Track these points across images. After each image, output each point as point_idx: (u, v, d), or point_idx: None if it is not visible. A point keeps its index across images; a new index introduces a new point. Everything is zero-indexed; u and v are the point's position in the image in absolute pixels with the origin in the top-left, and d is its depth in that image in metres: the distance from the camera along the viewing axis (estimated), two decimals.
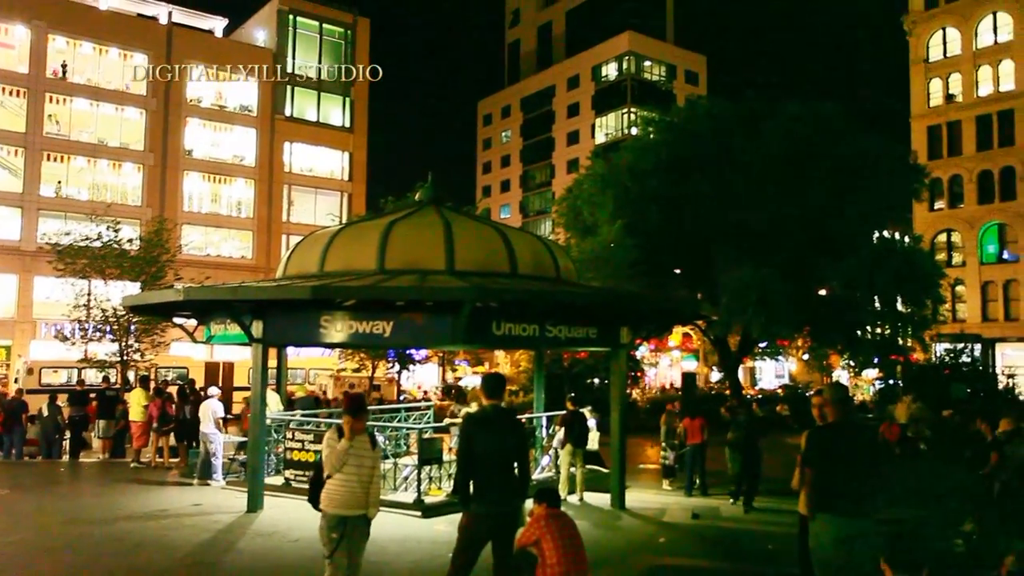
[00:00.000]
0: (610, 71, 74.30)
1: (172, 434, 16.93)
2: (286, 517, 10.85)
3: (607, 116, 73.49)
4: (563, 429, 13.13)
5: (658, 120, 31.73)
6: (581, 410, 13.67)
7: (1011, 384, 34.90)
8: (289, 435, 13.08)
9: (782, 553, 8.95)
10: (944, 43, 48.83)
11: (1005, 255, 45.67)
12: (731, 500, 12.99)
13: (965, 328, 42.20)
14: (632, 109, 68.56)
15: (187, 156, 43.40)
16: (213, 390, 15.10)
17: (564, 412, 13.43)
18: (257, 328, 11.51)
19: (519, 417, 7.15)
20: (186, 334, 14.13)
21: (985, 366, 39.46)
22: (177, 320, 14.39)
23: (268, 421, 13.03)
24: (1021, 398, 33.12)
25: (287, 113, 46.92)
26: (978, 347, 39.69)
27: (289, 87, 46.99)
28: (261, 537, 9.86)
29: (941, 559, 7.83)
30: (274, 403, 14.73)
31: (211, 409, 14.10)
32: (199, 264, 36.42)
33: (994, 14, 46.61)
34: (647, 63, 74.06)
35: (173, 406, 17.15)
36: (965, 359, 34.55)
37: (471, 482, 6.10)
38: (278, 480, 12.94)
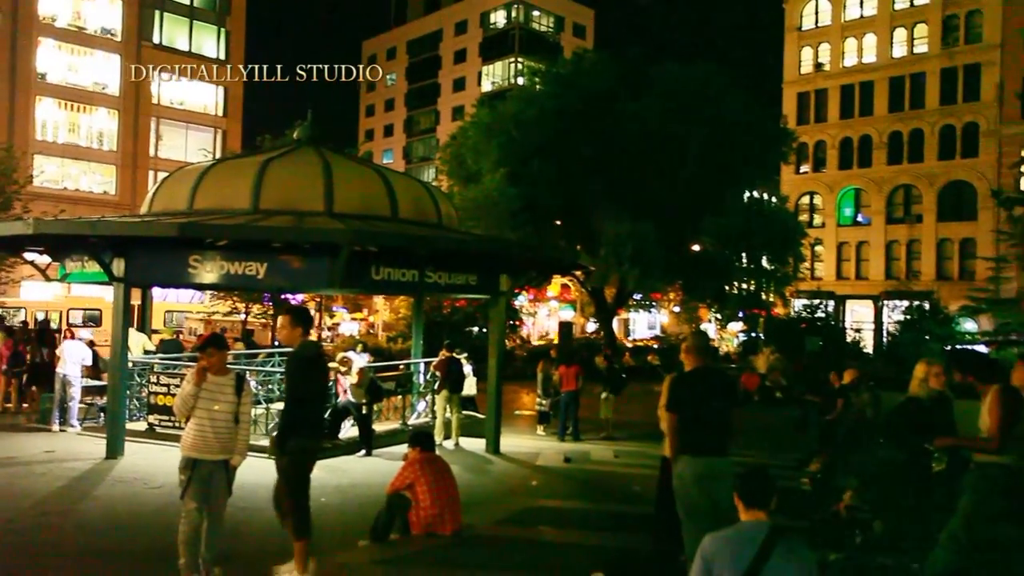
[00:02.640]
0: (499, 18, 73.45)
1: (24, 377, 15.83)
2: (148, 463, 10.42)
3: (494, 64, 72.83)
4: (439, 375, 13.20)
5: (545, 72, 31.76)
6: (457, 356, 13.75)
7: (857, 338, 37.81)
8: (154, 379, 12.52)
9: (646, 494, 9.38)
10: (816, 13, 50.97)
11: (859, 218, 48.87)
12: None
13: (821, 286, 45.19)
14: (519, 59, 68.16)
15: (40, 80, 39.90)
16: (83, 333, 14.23)
17: (440, 358, 13.45)
18: (118, 266, 10.84)
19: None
20: (38, 271, 13.16)
21: (836, 321, 42.37)
22: (28, 256, 13.35)
23: (130, 364, 12.42)
24: (865, 351, 35.93)
25: (155, 40, 43.82)
26: (831, 303, 42.55)
27: (157, 11, 43.84)
28: (121, 484, 9.44)
29: (789, 496, 8.43)
30: (136, 346, 14.03)
31: (77, 352, 13.24)
32: (54, 198, 33.83)
33: None
34: (536, 13, 73.63)
35: (27, 347, 16.00)
36: (820, 315, 37.00)
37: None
38: (141, 426, 12.39)
